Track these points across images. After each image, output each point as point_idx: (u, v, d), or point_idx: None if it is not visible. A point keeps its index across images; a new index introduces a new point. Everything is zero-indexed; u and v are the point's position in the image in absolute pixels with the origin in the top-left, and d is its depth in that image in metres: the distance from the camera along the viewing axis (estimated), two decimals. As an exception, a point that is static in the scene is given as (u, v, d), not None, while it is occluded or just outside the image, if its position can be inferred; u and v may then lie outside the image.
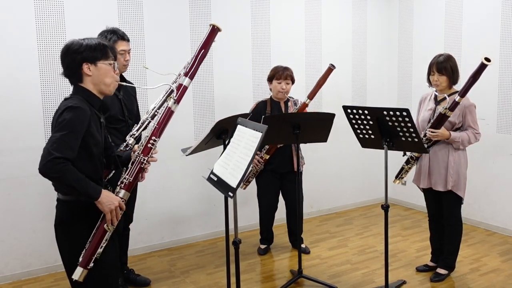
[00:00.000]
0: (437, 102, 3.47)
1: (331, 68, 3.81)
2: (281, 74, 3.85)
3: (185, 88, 2.42)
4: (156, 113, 2.89)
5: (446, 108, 3.25)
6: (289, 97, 4.00)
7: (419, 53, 5.19)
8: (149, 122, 2.90)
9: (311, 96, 3.87)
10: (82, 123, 2.05)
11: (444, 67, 3.36)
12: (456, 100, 3.21)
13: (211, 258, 4.08)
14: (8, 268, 3.64)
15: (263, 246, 4.19)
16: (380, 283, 3.46)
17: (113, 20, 3.86)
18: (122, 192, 2.23)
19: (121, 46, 3.12)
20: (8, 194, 3.61)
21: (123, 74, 3.29)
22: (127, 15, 3.96)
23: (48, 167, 1.96)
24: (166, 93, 2.93)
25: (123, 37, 3.14)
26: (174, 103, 2.37)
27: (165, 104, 2.38)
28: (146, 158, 2.29)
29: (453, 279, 3.57)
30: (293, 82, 3.94)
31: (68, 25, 3.69)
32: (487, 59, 3.09)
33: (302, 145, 3.53)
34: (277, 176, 4.00)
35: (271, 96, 3.99)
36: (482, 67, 3.13)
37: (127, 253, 3.57)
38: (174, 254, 4.19)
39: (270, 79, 3.93)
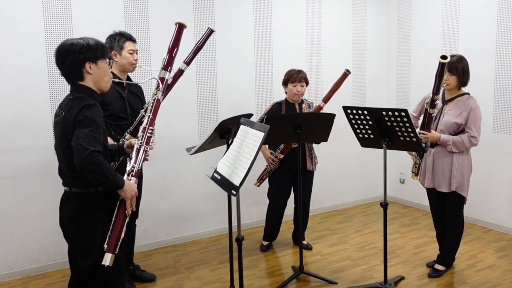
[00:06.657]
0: (444, 102, 3.50)
1: (346, 73, 3.90)
2: (295, 78, 3.91)
3: (166, 80, 2.74)
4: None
5: (428, 104, 3.32)
6: (303, 99, 4.08)
7: (417, 54, 5.26)
8: (143, 116, 2.99)
9: (326, 99, 3.97)
10: (101, 119, 2.19)
11: (455, 67, 3.35)
12: (434, 98, 3.28)
13: (214, 254, 4.15)
14: (17, 264, 3.71)
15: (265, 243, 4.26)
16: (379, 279, 3.52)
17: (119, 20, 3.93)
18: (134, 179, 2.33)
19: (129, 46, 3.26)
20: (17, 192, 3.67)
21: (128, 74, 3.38)
22: (133, 17, 4.03)
23: (87, 161, 2.06)
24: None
25: (130, 38, 3.29)
26: (162, 94, 2.65)
27: (154, 97, 2.61)
28: (148, 147, 2.43)
29: (450, 275, 3.63)
30: (307, 84, 3.99)
31: (75, 25, 3.76)
32: (444, 57, 3.12)
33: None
34: (289, 175, 4.04)
35: (286, 98, 4.06)
36: (441, 67, 3.16)
37: (133, 249, 3.64)
38: (178, 250, 4.26)
39: (285, 83, 3.98)
